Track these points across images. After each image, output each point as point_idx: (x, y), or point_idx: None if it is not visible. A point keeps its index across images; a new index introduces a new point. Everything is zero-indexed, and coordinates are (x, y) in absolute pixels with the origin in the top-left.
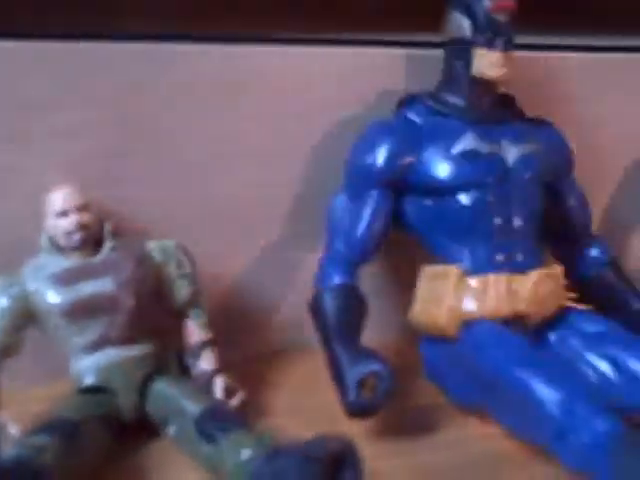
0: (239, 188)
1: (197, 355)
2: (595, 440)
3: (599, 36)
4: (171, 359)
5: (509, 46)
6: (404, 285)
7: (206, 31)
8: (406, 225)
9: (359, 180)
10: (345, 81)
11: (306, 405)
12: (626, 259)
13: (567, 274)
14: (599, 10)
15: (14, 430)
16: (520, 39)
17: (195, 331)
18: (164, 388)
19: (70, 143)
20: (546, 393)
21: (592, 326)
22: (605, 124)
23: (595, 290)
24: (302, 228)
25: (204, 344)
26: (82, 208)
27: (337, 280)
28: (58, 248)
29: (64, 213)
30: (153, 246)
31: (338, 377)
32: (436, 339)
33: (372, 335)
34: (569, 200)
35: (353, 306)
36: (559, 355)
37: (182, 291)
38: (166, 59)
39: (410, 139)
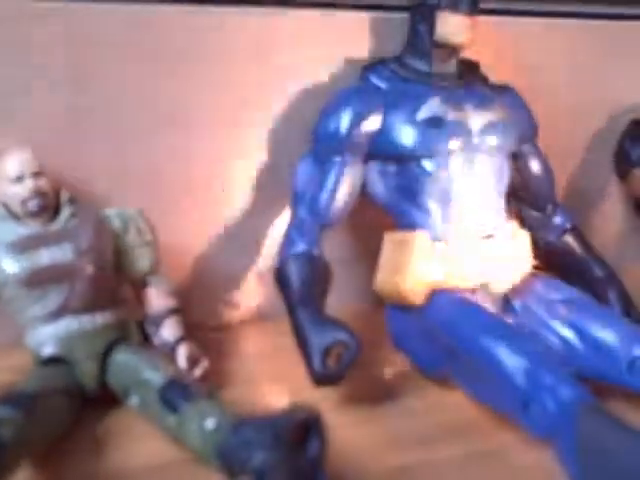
0: (200, 156)
1: (159, 323)
2: (560, 408)
3: (564, 2)
4: (132, 328)
5: (473, 10)
6: (370, 252)
7: None
8: (371, 192)
9: (324, 146)
10: (310, 45)
11: (271, 374)
12: (587, 227)
13: (532, 241)
14: None
15: None
16: (485, 4)
17: (157, 298)
18: (126, 358)
19: (22, 106)
20: (511, 361)
21: (556, 293)
22: (570, 92)
23: (558, 257)
24: (266, 196)
25: (168, 311)
26: (38, 174)
27: (301, 248)
28: (13, 215)
29: (19, 179)
30: (112, 213)
31: (304, 345)
32: (402, 307)
33: (338, 303)
34: (533, 167)
35: (318, 274)
36: (524, 323)
37: (143, 259)
38: (126, 20)
39: (374, 105)
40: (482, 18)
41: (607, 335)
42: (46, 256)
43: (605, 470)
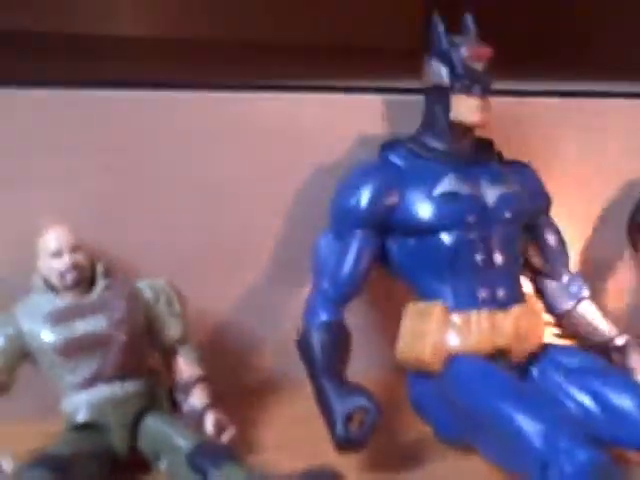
0: (226, 230)
1: (188, 391)
2: (578, 470)
3: (573, 82)
4: (162, 395)
5: (486, 92)
6: (391, 320)
7: (198, 78)
8: (390, 263)
9: (343, 221)
10: (330, 126)
11: (294, 440)
12: (601, 298)
13: (547, 310)
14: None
15: (7, 465)
16: (497, 85)
17: (186, 368)
18: (156, 424)
19: (67, 188)
20: (529, 425)
21: (573, 360)
22: (580, 166)
23: (575, 325)
24: (288, 268)
25: (196, 380)
26: (75, 248)
27: (324, 317)
28: (51, 288)
29: (58, 253)
30: (143, 285)
31: (326, 412)
32: (421, 374)
33: (359, 370)
34: (547, 238)
35: (339, 342)
36: (541, 389)
37: (172, 329)
38: (163, 107)
39: (392, 181)
40: (495, 99)
41: (624, 401)
42: (81, 326)
43: None
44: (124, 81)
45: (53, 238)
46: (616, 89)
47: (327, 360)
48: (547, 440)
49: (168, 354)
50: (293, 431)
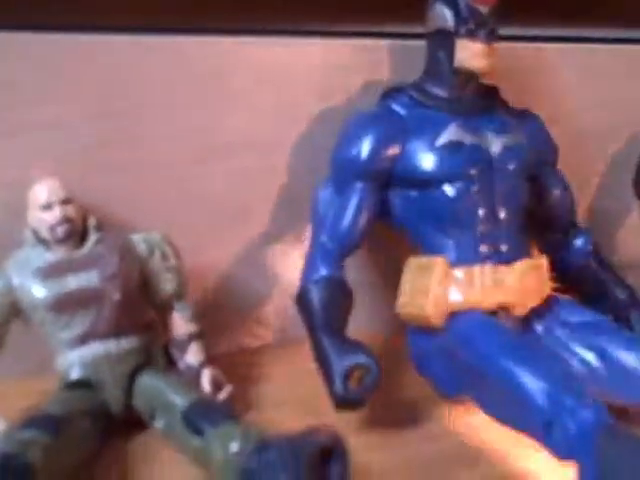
0: (222, 181)
1: (184, 348)
2: (582, 429)
3: (580, 27)
4: (158, 352)
5: (491, 37)
6: (391, 276)
7: (188, 23)
8: (391, 217)
9: (344, 172)
10: (329, 72)
11: (293, 398)
12: (610, 248)
13: (552, 265)
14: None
15: (0, 425)
16: (504, 30)
17: (181, 324)
18: (151, 381)
19: (53, 135)
20: (533, 383)
21: (578, 317)
22: (588, 113)
23: (580, 281)
24: (286, 221)
25: (191, 336)
26: (66, 201)
27: (323, 273)
28: (42, 241)
29: (48, 206)
30: (138, 239)
31: (325, 369)
32: (423, 330)
33: (360, 327)
34: (553, 191)
35: (339, 298)
36: (545, 345)
37: (167, 284)
38: (149, 51)
39: (394, 131)
40: (501, 44)
41: (629, 357)
42: (73, 281)
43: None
44: (112, 26)
45: (43, 190)
46: (632, 35)
47: (326, 316)
48: (551, 398)
49: (163, 310)
50: (292, 389)
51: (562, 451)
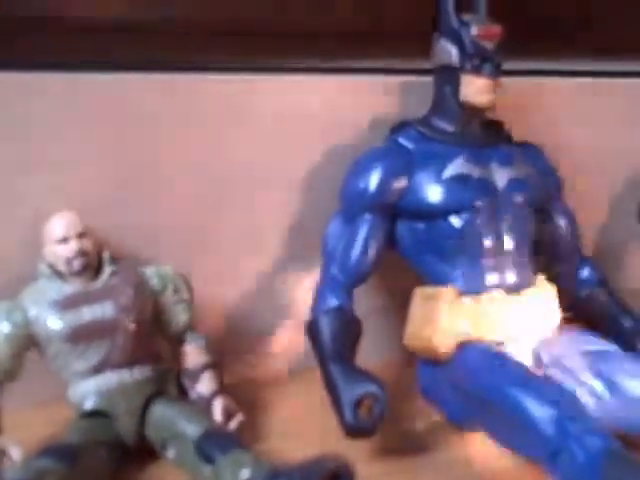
0: (234, 214)
1: (196, 378)
2: (589, 458)
3: (584, 61)
4: (170, 382)
5: (496, 72)
6: (400, 306)
7: (202, 61)
8: (399, 248)
9: (353, 205)
10: (339, 108)
11: (302, 427)
12: (616, 276)
13: (559, 294)
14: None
15: (16, 454)
16: (508, 65)
17: (194, 354)
18: (164, 411)
19: (68, 172)
20: (540, 412)
21: (586, 345)
22: (593, 147)
23: (587, 310)
24: (297, 253)
25: (204, 367)
26: (82, 235)
27: (333, 303)
28: (58, 274)
29: (64, 240)
30: (151, 272)
31: (335, 398)
32: (431, 360)
33: (369, 356)
34: (559, 222)
35: (348, 329)
36: (553, 375)
37: (180, 316)
38: (164, 89)
39: (402, 164)
40: (506, 79)
41: (637, 386)
42: (88, 313)
43: None
44: (126, 64)
45: (59, 224)
46: (631, 69)
47: (336, 346)
48: (558, 426)
49: (176, 341)
50: (302, 418)
51: (570, 479)
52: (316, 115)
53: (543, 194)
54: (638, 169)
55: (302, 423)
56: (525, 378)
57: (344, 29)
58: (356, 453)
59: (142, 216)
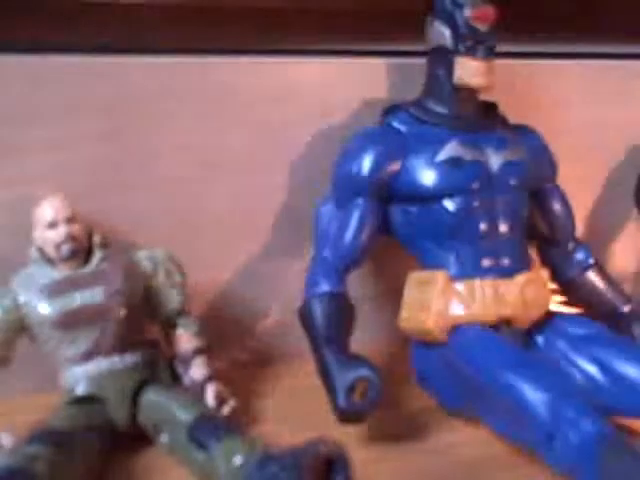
0: (225, 198)
1: (188, 363)
2: (582, 442)
3: (579, 43)
4: (162, 367)
5: (490, 54)
6: (394, 290)
7: (188, 43)
8: (393, 231)
9: (345, 189)
10: (330, 91)
11: (295, 412)
12: (609, 261)
13: (553, 278)
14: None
15: (7, 440)
16: (503, 47)
17: (186, 339)
18: (156, 396)
19: (56, 155)
20: (533, 395)
21: (579, 329)
22: (588, 130)
23: (580, 293)
24: (288, 236)
25: (196, 351)
26: (71, 219)
27: (325, 288)
28: (48, 259)
29: (53, 224)
30: (142, 256)
31: (328, 383)
32: (425, 344)
33: (362, 340)
34: (553, 206)
35: (341, 313)
36: (547, 358)
37: (172, 300)
38: (149, 71)
39: (395, 147)
40: (500, 61)
41: (631, 369)
42: (78, 298)
43: None
44: (115, 46)
45: (48, 208)
46: (627, 51)
47: (329, 330)
48: (552, 410)
49: (168, 326)
50: (295, 403)
51: (564, 463)
52: (306, 97)
53: (537, 177)
54: (633, 151)
55: (294, 408)
56: (519, 361)
57: (334, 9)
58: (348, 438)
59: (130, 200)
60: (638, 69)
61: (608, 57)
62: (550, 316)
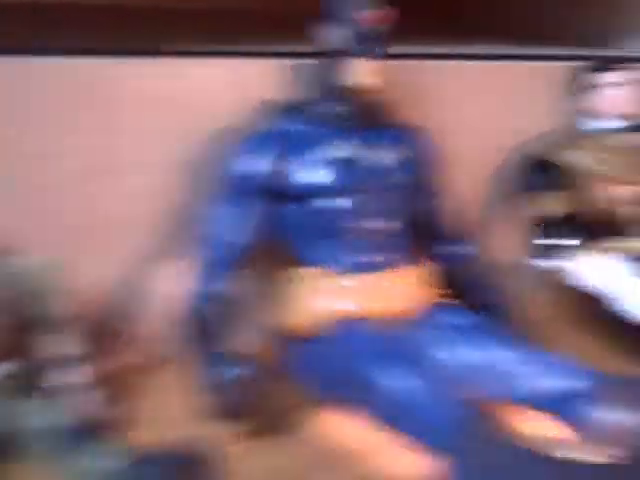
0: (108, 199)
1: (67, 369)
2: (451, 425)
3: (469, 44)
4: (38, 375)
5: (380, 56)
6: (275, 288)
7: (74, 43)
8: (277, 230)
9: (234, 189)
10: (219, 92)
11: (173, 413)
12: (487, 253)
13: (436, 272)
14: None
15: None
16: (395, 48)
17: (65, 345)
18: (29, 406)
19: None
20: (401, 384)
21: (460, 320)
22: (470, 128)
23: (460, 285)
24: (175, 237)
25: (77, 357)
26: None
27: (210, 287)
28: None
29: None
30: (20, 262)
31: (209, 381)
32: (302, 339)
33: (245, 337)
34: (435, 202)
35: (225, 312)
36: (418, 347)
37: (52, 307)
38: (39, 73)
39: (285, 148)
40: (389, 62)
41: (505, 356)
42: None
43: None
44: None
45: None
46: (502, 52)
47: (211, 330)
48: (424, 398)
49: (48, 332)
50: (172, 404)
51: (434, 447)
52: (195, 99)
53: (423, 175)
54: (509, 150)
55: (172, 408)
56: (389, 352)
57: (223, 10)
58: (223, 434)
59: (18, 202)
60: (525, 70)
61: (494, 58)
62: (425, 307)
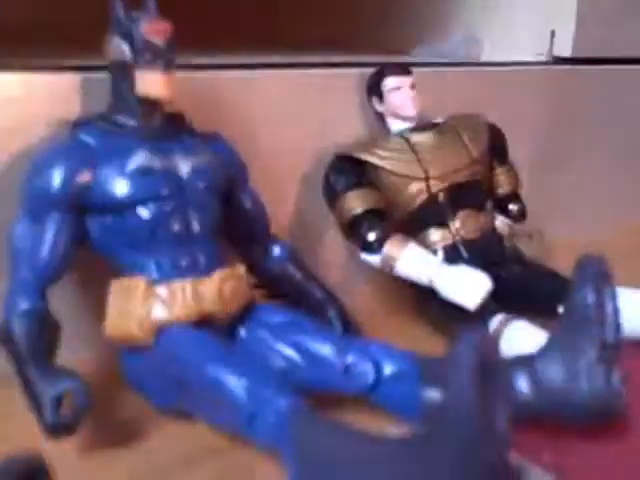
0: None
1: None
2: (277, 418)
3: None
4: None
5: (169, 67)
6: (99, 299)
7: None
8: (91, 242)
9: (37, 204)
10: (18, 106)
11: (9, 426)
12: (313, 253)
13: (254, 273)
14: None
15: None
16: (182, 60)
17: None
18: None
19: None
20: (234, 383)
21: (277, 317)
22: (275, 132)
23: (281, 285)
24: None
25: None
26: None
27: (25, 306)
28: None
29: None
30: None
31: (34, 400)
32: (133, 349)
33: (72, 354)
34: (247, 205)
35: (44, 329)
36: (250, 348)
37: None
38: None
39: (84, 160)
40: (182, 73)
41: (324, 348)
42: None
43: (320, 467)
44: None
45: None
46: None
47: (32, 348)
48: (251, 394)
49: None
50: (3, 424)
51: (266, 441)
52: None
53: (227, 180)
54: (322, 152)
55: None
56: (220, 353)
57: (19, 23)
58: (64, 450)
59: None
60: (321, 76)
61: (293, 66)
62: (250, 309)
